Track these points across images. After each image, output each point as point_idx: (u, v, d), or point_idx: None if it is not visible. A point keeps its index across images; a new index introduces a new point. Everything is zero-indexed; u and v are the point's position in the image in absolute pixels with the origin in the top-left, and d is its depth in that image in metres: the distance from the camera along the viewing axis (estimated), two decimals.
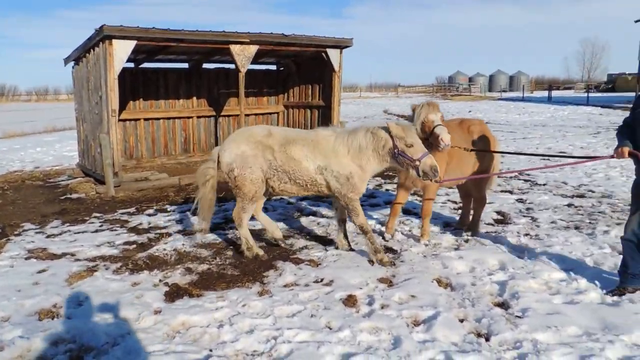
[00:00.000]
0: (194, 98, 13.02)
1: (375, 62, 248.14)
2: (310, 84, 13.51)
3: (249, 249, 5.59)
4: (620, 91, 51.80)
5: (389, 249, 5.83)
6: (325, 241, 6.17)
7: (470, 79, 79.99)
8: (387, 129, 5.06)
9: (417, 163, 4.89)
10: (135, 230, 6.86)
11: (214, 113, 13.34)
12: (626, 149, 4.26)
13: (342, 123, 12.77)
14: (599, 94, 49.50)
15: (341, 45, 11.95)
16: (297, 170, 5.26)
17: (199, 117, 13.14)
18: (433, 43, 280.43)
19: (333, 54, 11.89)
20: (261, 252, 5.62)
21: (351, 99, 56.87)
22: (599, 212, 7.17)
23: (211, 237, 6.39)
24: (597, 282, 4.67)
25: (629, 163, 8.07)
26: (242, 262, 5.49)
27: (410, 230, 6.54)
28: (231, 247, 6.02)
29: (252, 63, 12.50)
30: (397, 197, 6.20)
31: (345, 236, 5.78)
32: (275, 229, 5.98)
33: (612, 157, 4.42)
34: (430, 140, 5.34)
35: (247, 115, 13.52)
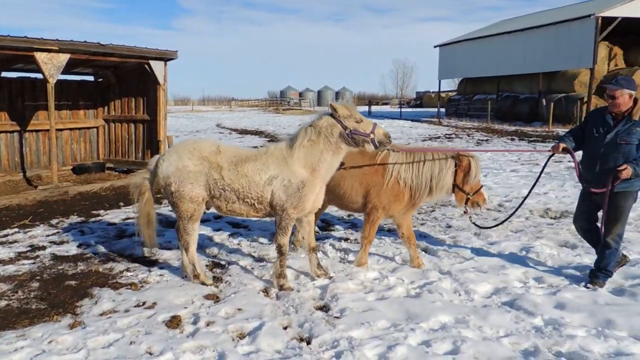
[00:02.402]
0: None
1: (208, 75, 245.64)
2: (133, 97, 12.75)
3: (196, 277, 5.10)
4: (427, 107, 59.29)
5: (216, 264, 5.77)
6: (149, 262, 5.85)
7: (301, 94, 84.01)
8: (329, 114, 4.76)
9: (372, 136, 4.68)
10: None
11: (18, 128, 11.74)
12: (561, 145, 5.01)
13: (170, 138, 12.33)
14: (410, 109, 55.93)
15: (165, 57, 11.56)
16: (246, 188, 4.80)
17: None
18: (264, 58, 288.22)
19: (157, 66, 11.44)
20: (209, 282, 5.11)
21: (183, 113, 55.21)
22: None
23: (12, 268, 5.60)
24: (404, 278, 5.22)
25: None
26: (50, 294, 4.92)
27: (238, 244, 6.56)
28: (38, 277, 5.35)
29: (66, 73, 11.42)
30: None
31: (319, 265, 5.29)
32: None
33: (549, 151, 5.21)
34: (469, 196, 5.29)
35: (60, 130, 12.24)
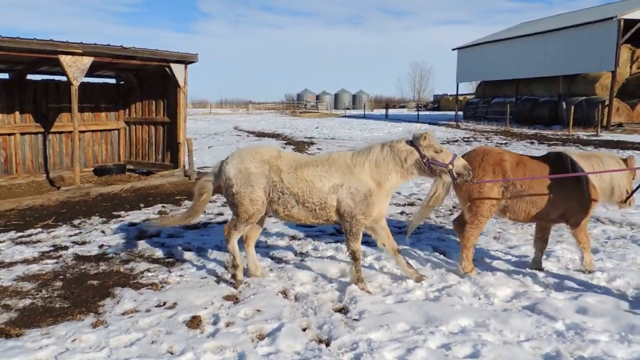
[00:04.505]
0: (17, 112, 11.59)
1: (226, 78, 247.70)
2: (154, 100, 12.95)
3: (234, 267, 5.24)
4: (444, 110, 58.96)
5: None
6: (169, 262, 5.93)
7: (317, 97, 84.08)
8: (409, 141, 4.91)
9: (451, 167, 4.77)
10: None
11: (42, 129, 12.02)
12: None
13: (190, 140, 12.47)
14: (427, 112, 55.62)
15: (186, 60, 11.71)
16: (307, 192, 4.88)
17: (23, 133, 11.71)
18: (281, 61, 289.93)
19: (177, 69, 11.60)
20: (240, 277, 5.24)
21: (201, 115, 55.72)
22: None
23: (36, 267, 5.72)
24: (422, 281, 5.19)
25: None
26: (73, 293, 5.01)
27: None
28: (61, 276, 5.46)
29: (89, 75, 11.64)
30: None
31: (409, 264, 5.27)
32: (257, 268, 5.46)
33: None
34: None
35: (82, 131, 12.49)
